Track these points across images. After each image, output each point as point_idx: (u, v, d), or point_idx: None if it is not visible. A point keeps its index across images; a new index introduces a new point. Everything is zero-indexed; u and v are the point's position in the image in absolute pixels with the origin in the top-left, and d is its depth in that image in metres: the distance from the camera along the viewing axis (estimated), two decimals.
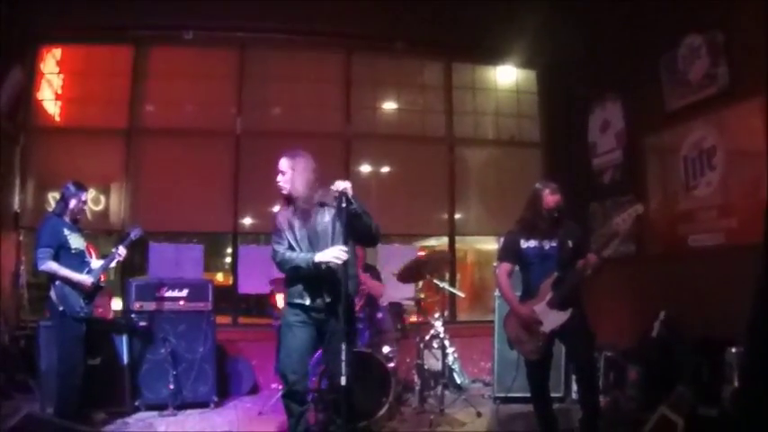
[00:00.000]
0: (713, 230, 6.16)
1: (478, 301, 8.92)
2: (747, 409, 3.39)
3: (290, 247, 4.56)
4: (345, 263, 4.35)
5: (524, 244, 5.19)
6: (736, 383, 4.69)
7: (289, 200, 4.62)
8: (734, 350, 4.87)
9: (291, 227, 4.59)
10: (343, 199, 4.28)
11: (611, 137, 7.95)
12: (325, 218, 4.56)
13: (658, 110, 6.96)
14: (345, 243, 4.39)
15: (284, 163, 4.60)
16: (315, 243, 4.52)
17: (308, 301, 4.53)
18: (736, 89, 5.98)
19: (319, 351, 5.13)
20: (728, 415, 3.99)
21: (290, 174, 4.58)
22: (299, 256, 4.48)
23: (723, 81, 6.13)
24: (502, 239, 5.81)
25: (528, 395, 5.55)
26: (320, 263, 4.35)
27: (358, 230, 4.47)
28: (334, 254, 4.32)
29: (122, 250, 5.86)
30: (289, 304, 4.64)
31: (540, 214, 5.14)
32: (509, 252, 5.33)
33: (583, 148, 8.44)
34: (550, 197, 5.13)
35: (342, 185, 4.28)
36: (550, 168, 8.93)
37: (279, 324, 6.65)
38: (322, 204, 4.57)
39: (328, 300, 4.49)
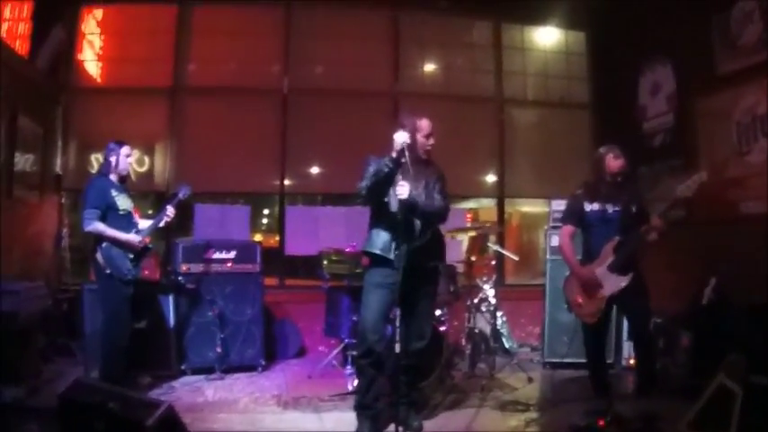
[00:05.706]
0: (766, 197, 6.10)
1: (525, 264, 8.89)
2: None
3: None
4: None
5: (588, 207, 5.27)
6: None
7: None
8: None
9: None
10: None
11: (661, 99, 7.84)
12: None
13: (710, 73, 6.85)
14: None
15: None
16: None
17: (392, 255, 4.59)
18: None
19: None
20: None
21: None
22: (378, 165, 4.57)
23: None
24: (554, 202, 5.81)
25: (578, 361, 5.69)
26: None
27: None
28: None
29: (171, 210, 5.75)
30: (373, 263, 4.75)
31: (604, 178, 5.22)
32: (572, 215, 5.41)
33: (632, 110, 8.31)
34: (614, 162, 5.21)
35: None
36: (599, 131, 8.88)
37: (328, 286, 6.70)
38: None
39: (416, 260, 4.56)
